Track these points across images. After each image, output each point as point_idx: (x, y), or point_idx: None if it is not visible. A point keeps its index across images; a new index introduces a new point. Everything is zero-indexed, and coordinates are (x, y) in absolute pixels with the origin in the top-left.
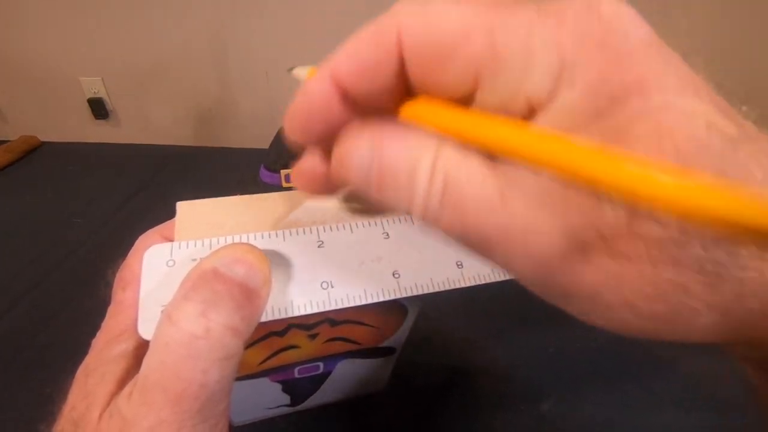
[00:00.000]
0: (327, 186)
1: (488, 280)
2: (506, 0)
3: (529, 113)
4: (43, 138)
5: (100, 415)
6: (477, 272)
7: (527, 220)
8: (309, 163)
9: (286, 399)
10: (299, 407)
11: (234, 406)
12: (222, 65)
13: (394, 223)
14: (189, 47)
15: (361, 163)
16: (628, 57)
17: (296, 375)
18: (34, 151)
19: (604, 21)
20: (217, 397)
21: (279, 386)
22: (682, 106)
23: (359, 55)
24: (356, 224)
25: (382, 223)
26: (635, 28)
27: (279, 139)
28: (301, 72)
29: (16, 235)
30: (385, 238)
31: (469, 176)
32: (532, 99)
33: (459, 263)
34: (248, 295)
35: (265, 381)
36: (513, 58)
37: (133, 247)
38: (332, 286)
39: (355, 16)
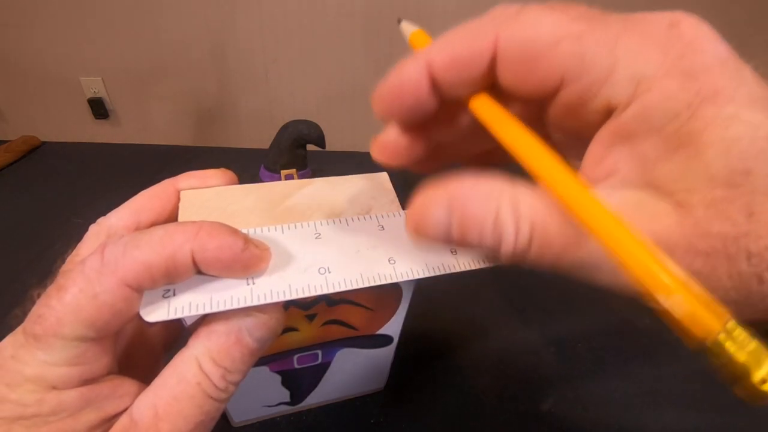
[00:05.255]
0: (403, 159)
1: (482, 266)
2: (595, 12)
3: (605, 110)
4: (43, 138)
5: None
6: (471, 258)
7: (601, 254)
8: (388, 137)
9: (285, 395)
10: (299, 406)
11: (234, 401)
12: (222, 65)
13: (388, 216)
14: (189, 47)
15: (437, 223)
16: (705, 71)
17: (295, 365)
18: (34, 151)
19: (685, 39)
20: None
21: (279, 378)
22: (749, 118)
23: (455, 48)
24: (351, 218)
25: (376, 216)
26: (713, 46)
27: (279, 139)
28: (408, 28)
29: (16, 235)
30: (380, 230)
31: (550, 221)
32: (611, 100)
33: (453, 250)
34: (258, 354)
35: (264, 370)
36: (598, 65)
37: (85, 236)
38: (329, 272)
39: (354, 16)
